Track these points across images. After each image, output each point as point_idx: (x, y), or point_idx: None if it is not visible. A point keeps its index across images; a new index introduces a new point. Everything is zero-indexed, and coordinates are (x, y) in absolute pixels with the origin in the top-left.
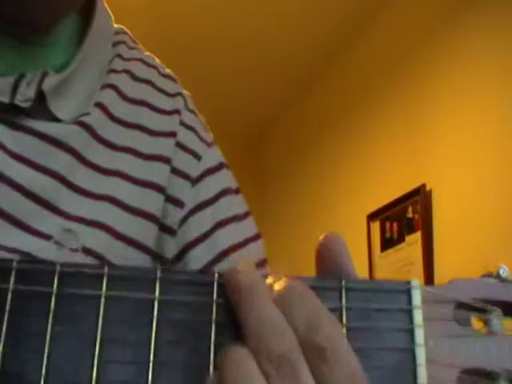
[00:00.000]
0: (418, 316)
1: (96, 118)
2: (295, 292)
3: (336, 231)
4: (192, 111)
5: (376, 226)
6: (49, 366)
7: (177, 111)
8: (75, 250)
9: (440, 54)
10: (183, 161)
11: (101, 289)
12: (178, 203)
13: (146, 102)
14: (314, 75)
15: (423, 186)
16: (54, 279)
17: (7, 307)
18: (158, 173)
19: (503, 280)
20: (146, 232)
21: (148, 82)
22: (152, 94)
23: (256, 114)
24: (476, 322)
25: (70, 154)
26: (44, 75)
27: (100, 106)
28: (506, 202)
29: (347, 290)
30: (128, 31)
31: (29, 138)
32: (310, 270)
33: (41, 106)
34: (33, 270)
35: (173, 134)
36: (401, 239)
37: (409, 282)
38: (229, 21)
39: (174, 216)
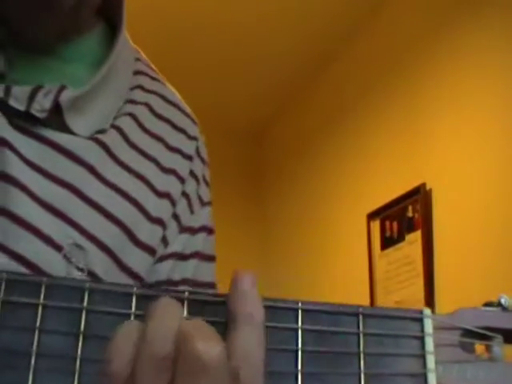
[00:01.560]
0: (430, 343)
1: (112, 138)
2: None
3: (335, 230)
4: (202, 160)
5: (376, 225)
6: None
7: (190, 157)
8: (81, 270)
9: (441, 52)
10: (182, 207)
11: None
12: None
13: (164, 139)
14: (314, 74)
15: (423, 185)
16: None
17: None
18: (165, 210)
19: (504, 309)
20: (147, 266)
21: (168, 121)
22: (171, 133)
23: (256, 112)
24: (478, 347)
25: (84, 168)
26: (62, 88)
27: (117, 128)
28: (506, 200)
29: (364, 316)
30: (143, 56)
31: (43, 147)
32: (311, 268)
33: (56, 118)
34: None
35: (182, 180)
36: (401, 238)
37: (421, 312)
38: (229, 13)
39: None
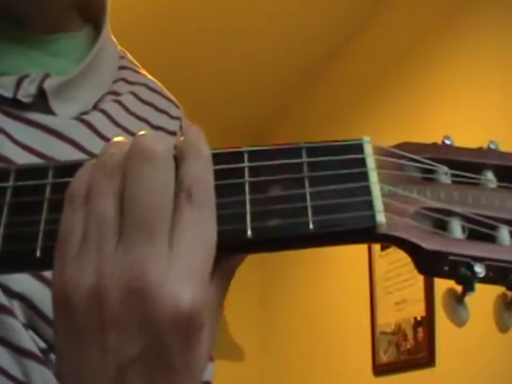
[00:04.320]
0: (371, 162)
1: (96, 119)
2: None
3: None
4: None
5: None
6: None
7: (174, 133)
8: None
9: (441, 51)
10: None
11: None
12: None
13: (148, 120)
14: (317, 72)
15: None
16: None
17: None
18: None
19: (448, 145)
20: None
21: (151, 104)
22: (154, 114)
23: (257, 112)
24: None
25: (70, 144)
26: (46, 76)
27: (101, 111)
28: None
29: (307, 149)
30: (129, 55)
31: (31, 129)
32: (311, 267)
33: (42, 103)
34: None
35: None
36: None
37: (361, 139)
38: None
39: None
